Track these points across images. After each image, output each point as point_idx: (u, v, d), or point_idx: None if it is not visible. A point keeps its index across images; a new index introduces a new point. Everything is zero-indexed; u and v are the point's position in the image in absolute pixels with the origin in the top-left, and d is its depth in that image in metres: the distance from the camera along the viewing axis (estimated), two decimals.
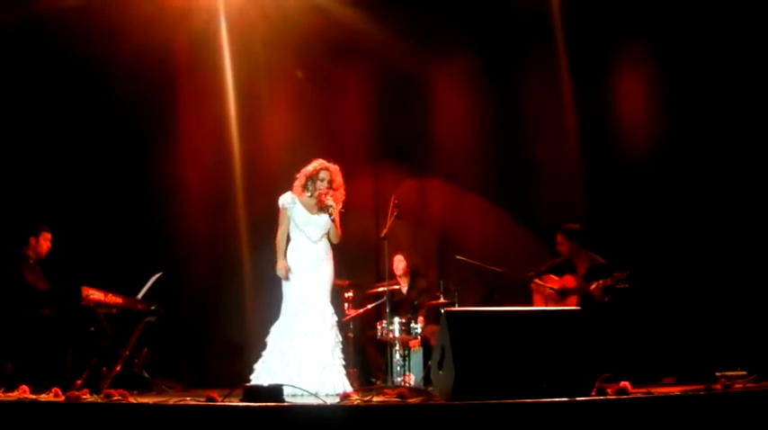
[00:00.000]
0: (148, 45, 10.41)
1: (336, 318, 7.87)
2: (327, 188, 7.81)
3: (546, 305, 9.07)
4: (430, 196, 10.51)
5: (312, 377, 7.43)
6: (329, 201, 7.71)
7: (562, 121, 10.42)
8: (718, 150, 9.71)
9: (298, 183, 7.90)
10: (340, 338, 7.86)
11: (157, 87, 10.79)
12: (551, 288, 9.07)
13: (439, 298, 9.23)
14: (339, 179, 7.91)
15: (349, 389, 7.45)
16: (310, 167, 7.90)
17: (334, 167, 7.92)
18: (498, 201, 10.45)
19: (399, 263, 9.60)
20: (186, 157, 10.80)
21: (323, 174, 7.85)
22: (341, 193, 7.91)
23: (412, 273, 9.82)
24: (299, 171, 7.99)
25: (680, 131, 9.96)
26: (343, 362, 7.78)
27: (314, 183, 7.85)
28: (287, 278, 7.76)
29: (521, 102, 10.60)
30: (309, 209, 7.86)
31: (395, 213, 8.52)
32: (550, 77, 10.45)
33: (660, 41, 10.15)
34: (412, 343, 9.06)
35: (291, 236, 7.88)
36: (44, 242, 8.72)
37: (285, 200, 7.86)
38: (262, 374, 7.58)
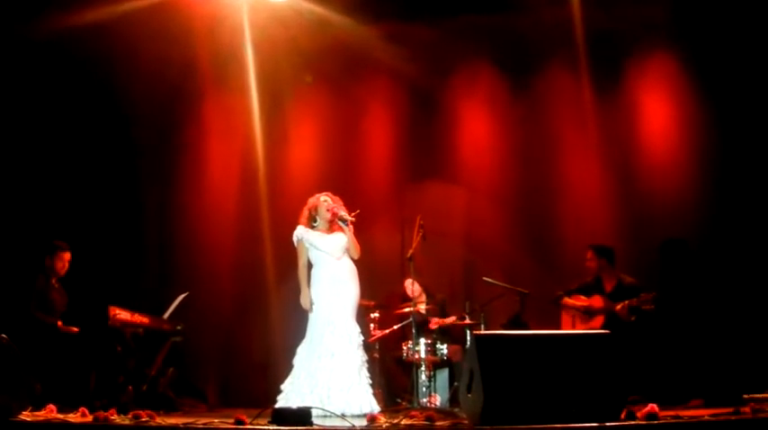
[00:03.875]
0: (172, 63, 10.50)
1: (362, 338, 7.89)
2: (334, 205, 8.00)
3: (573, 324, 9.06)
4: (454, 216, 10.47)
5: (339, 397, 7.45)
6: (342, 212, 7.91)
7: (587, 139, 10.37)
8: (746, 168, 9.66)
9: (303, 220, 8.07)
10: (366, 358, 7.87)
11: (184, 105, 10.89)
12: (579, 307, 9.06)
13: (464, 318, 9.20)
14: (339, 200, 8.11)
15: (376, 408, 7.50)
16: (309, 202, 8.13)
17: (330, 194, 8.13)
18: (524, 219, 10.40)
19: (413, 286, 9.51)
20: (212, 176, 10.87)
21: (324, 198, 8.07)
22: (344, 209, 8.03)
23: (426, 292, 9.76)
24: (322, 191, 8.17)
25: (707, 147, 9.92)
26: (370, 382, 7.80)
27: (318, 211, 8.03)
28: (310, 310, 7.83)
29: (545, 119, 10.57)
30: (323, 232, 8.00)
31: (420, 234, 8.53)
32: (574, 94, 10.41)
33: (688, 56, 10.12)
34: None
35: (314, 260, 8.00)
36: (58, 262, 8.79)
37: (297, 233, 8.01)
38: (291, 395, 7.59)
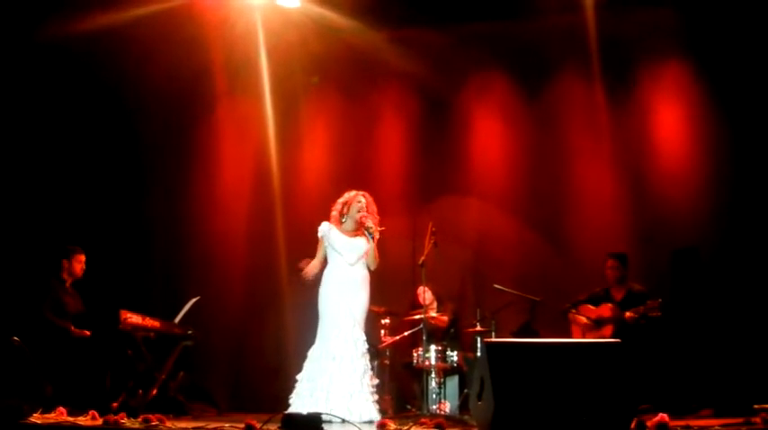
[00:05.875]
0: (185, 67, 10.57)
1: (368, 346, 7.88)
2: (366, 213, 7.93)
3: (583, 335, 9.03)
4: (466, 222, 10.45)
5: (340, 404, 7.44)
6: (369, 223, 7.83)
7: (599, 146, 10.33)
8: (759, 175, 9.62)
9: (335, 213, 8.04)
10: (369, 365, 7.87)
11: (197, 110, 10.95)
12: (588, 318, 9.05)
13: (475, 325, 9.21)
14: (374, 206, 8.07)
15: (377, 416, 7.46)
16: (346, 196, 8.07)
17: (368, 195, 8.09)
18: (536, 227, 10.37)
19: (426, 293, 9.49)
20: (225, 181, 10.92)
21: (359, 199, 8.00)
22: (376, 219, 7.99)
23: (438, 299, 9.76)
24: (335, 196, 8.16)
25: (719, 154, 9.88)
26: (372, 389, 7.75)
27: (350, 209, 7.98)
28: (306, 275, 7.86)
29: (557, 126, 10.52)
30: (346, 233, 7.97)
31: (432, 241, 8.51)
32: (586, 100, 10.39)
33: (701, 62, 10.08)
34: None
35: (329, 258, 7.98)
36: (77, 264, 8.86)
37: (321, 229, 7.96)
38: (296, 399, 7.61)
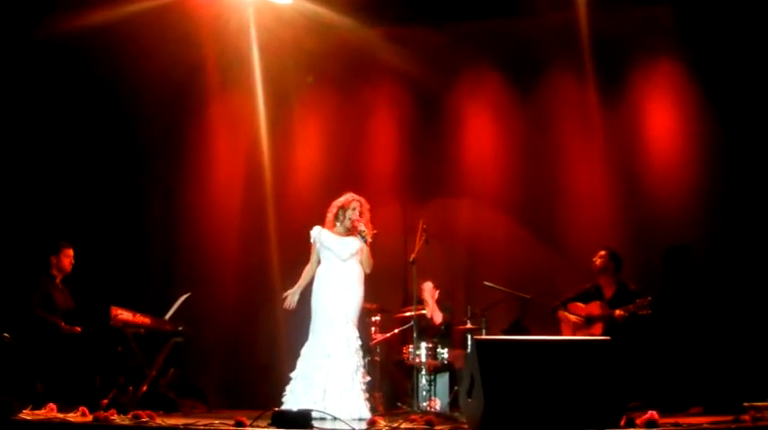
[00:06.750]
0: (178, 64, 10.56)
1: (360, 343, 7.90)
2: (359, 218, 8.00)
3: (573, 333, 9.01)
4: (457, 220, 10.45)
5: (332, 401, 7.46)
6: (362, 227, 7.90)
7: (591, 144, 10.33)
8: (750, 174, 9.63)
9: (330, 215, 8.14)
10: (362, 362, 7.89)
11: (189, 106, 10.94)
12: (578, 316, 9.04)
13: (466, 322, 9.22)
14: (368, 213, 8.16)
15: (367, 414, 7.48)
16: (342, 199, 8.14)
17: (364, 200, 8.17)
18: (527, 224, 10.36)
19: (429, 291, 9.48)
20: (218, 177, 10.92)
21: (354, 205, 8.09)
22: (369, 225, 8.05)
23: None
24: (327, 193, 8.26)
25: (711, 152, 9.88)
26: (363, 387, 7.78)
27: (345, 213, 8.08)
28: (289, 306, 7.99)
29: (548, 123, 10.52)
30: (338, 235, 8.05)
31: (423, 237, 8.53)
32: (578, 98, 10.38)
33: (693, 61, 10.08)
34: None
35: (322, 258, 8.07)
36: (65, 259, 8.87)
37: (313, 233, 8.08)
38: (289, 397, 7.62)
